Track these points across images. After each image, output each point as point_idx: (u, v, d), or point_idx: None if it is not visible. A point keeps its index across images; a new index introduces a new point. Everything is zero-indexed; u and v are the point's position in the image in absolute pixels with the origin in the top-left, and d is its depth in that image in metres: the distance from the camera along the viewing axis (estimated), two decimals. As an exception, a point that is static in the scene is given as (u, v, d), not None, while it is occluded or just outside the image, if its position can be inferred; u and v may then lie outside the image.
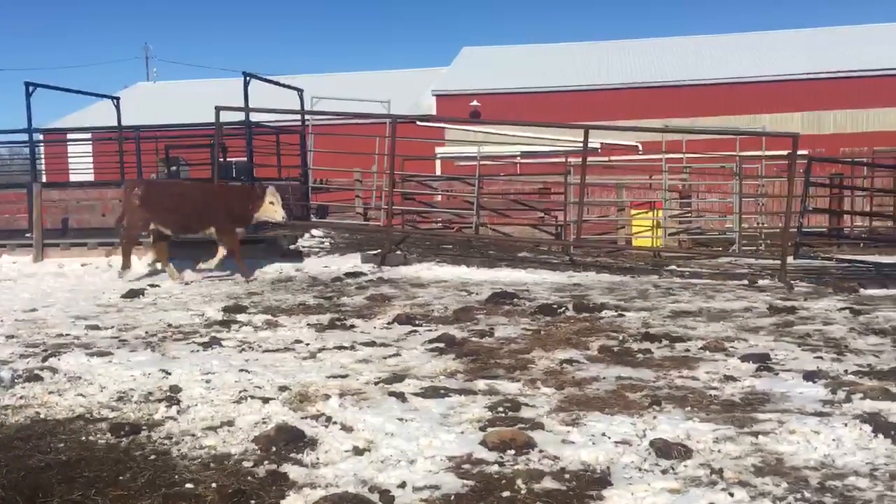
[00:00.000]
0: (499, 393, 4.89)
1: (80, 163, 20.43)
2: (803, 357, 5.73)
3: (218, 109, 12.52)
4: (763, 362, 5.50)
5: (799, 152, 11.43)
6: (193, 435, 4.15)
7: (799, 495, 3.25)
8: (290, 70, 66.20)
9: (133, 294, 9.42)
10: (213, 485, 3.48)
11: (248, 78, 13.69)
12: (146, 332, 7.05)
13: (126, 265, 11.18)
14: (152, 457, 3.86)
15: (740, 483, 3.39)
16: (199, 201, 11.20)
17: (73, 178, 20.68)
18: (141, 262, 12.50)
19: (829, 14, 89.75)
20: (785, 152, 12.25)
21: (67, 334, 6.97)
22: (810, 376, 5.06)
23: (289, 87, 16.03)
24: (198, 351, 6.19)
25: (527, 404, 4.61)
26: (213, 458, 3.82)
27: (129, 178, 12.58)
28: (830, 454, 3.71)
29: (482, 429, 4.15)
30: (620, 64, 31.90)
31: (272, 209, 11.14)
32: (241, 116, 13.92)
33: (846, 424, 4.04)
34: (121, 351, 6.16)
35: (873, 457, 3.67)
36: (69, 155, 22.32)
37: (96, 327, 7.30)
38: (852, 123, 27.78)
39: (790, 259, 11.40)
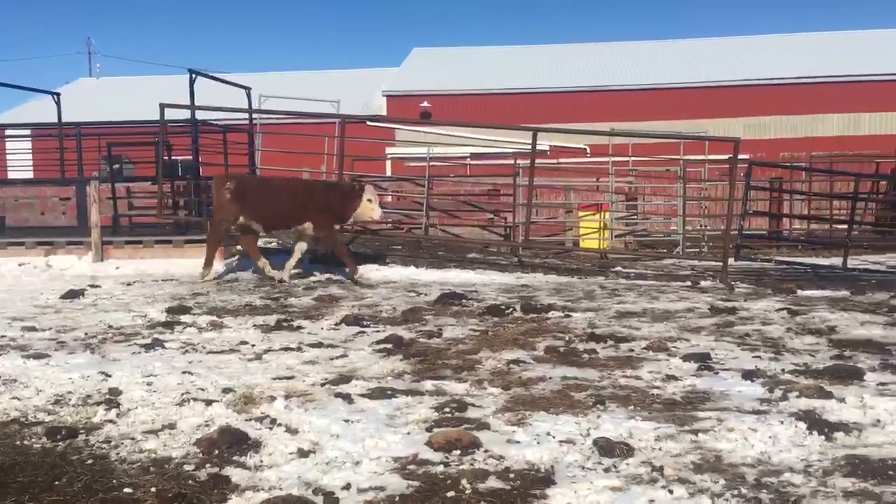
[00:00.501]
0: (446, 393, 4.90)
1: (19, 160, 19.87)
2: (742, 356, 5.87)
3: (162, 107, 12.27)
4: (704, 362, 5.62)
5: (740, 157, 11.71)
6: (133, 438, 4.07)
7: (736, 492, 3.33)
8: (238, 68, 65.47)
9: (72, 294, 9.18)
10: (153, 489, 3.41)
11: (194, 75, 13.44)
12: (86, 334, 6.87)
13: (209, 264, 10.72)
14: (90, 461, 3.77)
15: (680, 480, 3.46)
16: (294, 198, 10.77)
17: (10, 175, 20.09)
18: (81, 261, 12.21)
19: (764, 23, 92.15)
20: (727, 156, 12.54)
21: (3, 336, 6.74)
22: (749, 375, 5.19)
23: (236, 84, 15.79)
24: (139, 353, 6.06)
25: (473, 405, 4.62)
26: (154, 462, 3.75)
27: (220, 174, 12.00)
28: (767, 451, 3.81)
29: (428, 429, 4.15)
30: (569, 67, 32.29)
31: (370, 207, 10.71)
32: (186, 114, 13.67)
33: (782, 422, 4.15)
34: (59, 353, 5.99)
35: (808, 453, 3.78)
36: (7, 152, 21.67)
37: (33, 329, 7.09)
38: (791, 129, 28.58)
39: (731, 261, 11.67)
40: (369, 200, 10.71)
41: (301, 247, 10.89)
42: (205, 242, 12.37)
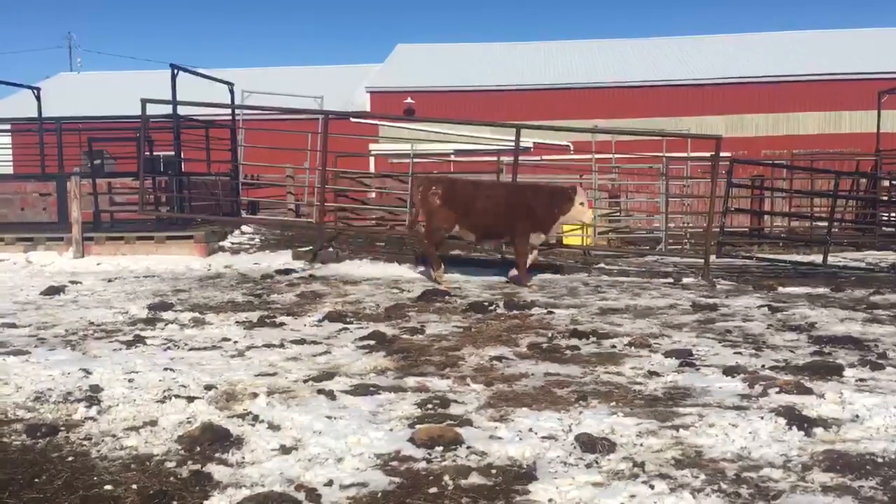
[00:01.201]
0: (429, 390, 4.90)
1: (-2, 155, 19.69)
2: (723, 353, 5.91)
3: (144, 102, 12.19)
4: (685, 358, 5.66)
5: (722, 154, 11.77)
6: (114, 435, 4.04)
7: (716, 486, 3.36)
8: (221, 63, 64.96)
9: (53, 291, 9.10)
10: (134, 486, 3.40)
11: (176, 70, 13.36)
12: (66, 331, 6.82)
13: (437, 267, 10.13)
14: (70, 458, 3.74)
15: (661, 476, 3.48)
16: (508, 202, 10.11)
17: (-10, 170, 19.90)
18: (61, 257, 12.11)
19: (748, 21, 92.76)
20: (709, 154, 12.60)
21: (-19, 333, 6.69)
22: (729, 371, 5.23)
23: (219, 80, 15.70)
24: (120, 349, 6.02)
25: (456, 401, 4.63)
26: (135, 459, 3.73)
27: (423, 176, 11.06)
28: (747, 446, 3.84)
29: (411, 426, 4.15)
30: (554, 64, 32.34)
31: (581, 210, 10.09)
32: (168, 109, 13.59)
33: (762, 417, 4.19)
34: (39, 350, 5.94)
35: (787, 448, 3.82)
36: (-14, 147, 21.44)
37: (13, 325, 7.03)
38: (773, 127, 28.79)
39: (713, 258, 11.73)
40: (581, 204, 10.09)
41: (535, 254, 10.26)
42: (187, 238, 12.31)
